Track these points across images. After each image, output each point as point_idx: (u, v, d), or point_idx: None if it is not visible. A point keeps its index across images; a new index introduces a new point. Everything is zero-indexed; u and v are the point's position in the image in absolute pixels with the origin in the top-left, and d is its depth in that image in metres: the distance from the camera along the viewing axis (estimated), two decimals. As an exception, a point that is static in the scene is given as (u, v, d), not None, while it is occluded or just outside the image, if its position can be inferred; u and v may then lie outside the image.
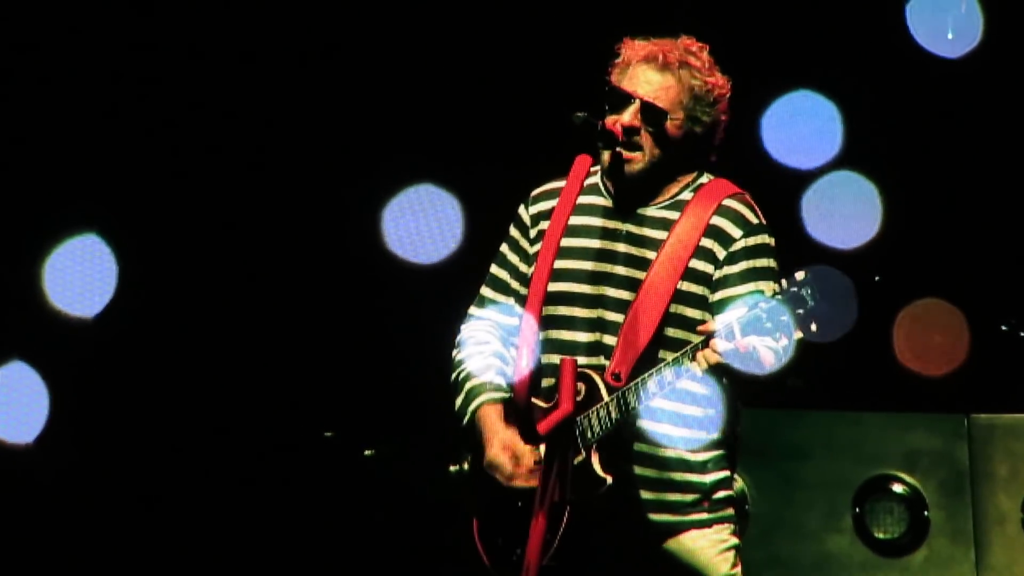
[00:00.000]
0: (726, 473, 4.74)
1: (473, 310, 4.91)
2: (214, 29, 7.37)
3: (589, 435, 4.57)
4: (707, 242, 4.65)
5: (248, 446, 7.48)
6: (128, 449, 7.38)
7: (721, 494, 4.72)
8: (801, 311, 4.30)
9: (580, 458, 4.56)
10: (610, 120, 4.65)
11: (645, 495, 4.65)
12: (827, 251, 7.12)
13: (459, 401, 4.80)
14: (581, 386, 4.59)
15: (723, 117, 4.72)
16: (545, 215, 4.81)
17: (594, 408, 4.57)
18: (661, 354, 4.59)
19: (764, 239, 4.67)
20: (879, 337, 7.44)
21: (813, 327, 4.31)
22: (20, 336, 7.14)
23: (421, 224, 7.35)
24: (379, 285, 7.48)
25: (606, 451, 4.57)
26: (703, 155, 4.75)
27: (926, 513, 7.06)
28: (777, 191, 4.84)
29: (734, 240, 4.65)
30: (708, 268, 4.63)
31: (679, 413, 4.65)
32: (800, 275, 4.33)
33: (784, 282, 4.34)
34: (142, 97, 7.34)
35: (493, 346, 4.84)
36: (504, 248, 4.89)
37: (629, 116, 4.65)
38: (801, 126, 7.15)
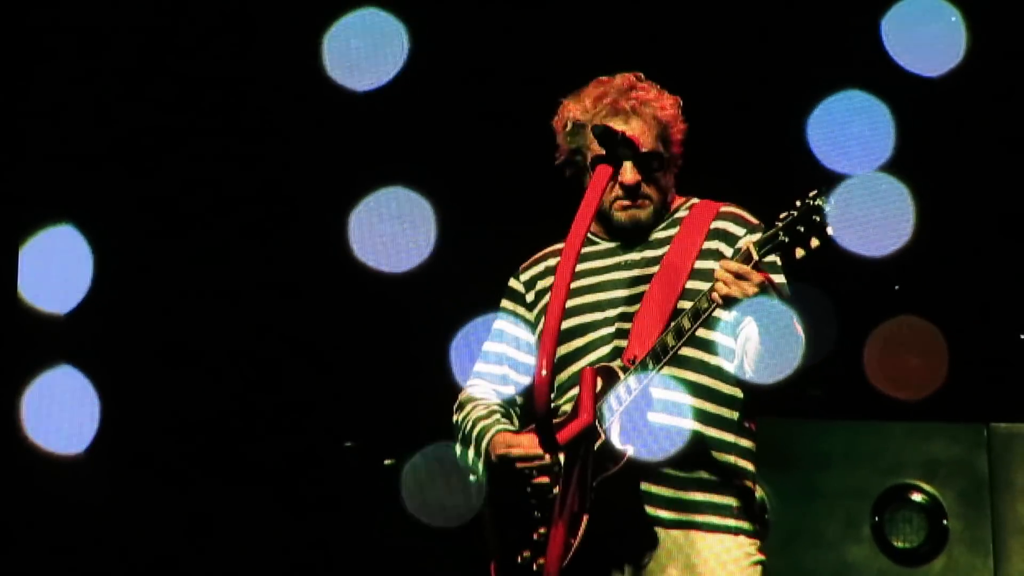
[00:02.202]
0: (750, 484, 4.75)
1: (469, 381, 4.98)
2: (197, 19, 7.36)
3: (608, 415, 4.57)
4: (712, 244, 4.72)
5: (269, 456, 7.50)
6: (135, 456, 7.38)
7: (749, 504, 4.72)
8: (817, 217, 4.29)
9: (600, 441, 4.56)
10: (628, 177, 4.74)
11: (669, 471, 4.64)
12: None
13: (471, 451, 4.84)
14: (600, 380, 4.60)
15: (683, 126, 4.82)
16: (541, 274, 4.93)
17: (613, 389, 4.59)
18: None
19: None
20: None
21: (829, 230, 4.29)
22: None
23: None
24: (400, 294, 7.49)
25: (625, 426, 4.57)
26: (677, 168, 4.86)
27: (945, 522, 7.05)
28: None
29: (738, 238, 4.70)
30: (715, 266, 4.66)
31: (700, 384, 4.66)
32: (813, 193, 4.34)
33: (798, 202, 4.34)
34: (122, 84, 7.30)
35: (494, 399, 4.90)
36: (498, 324, 4.96)
37: (631, 175, 4.74)
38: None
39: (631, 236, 4.83)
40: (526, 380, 4.88)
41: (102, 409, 7.15)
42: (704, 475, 4.66)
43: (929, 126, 7.22)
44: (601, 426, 4.55)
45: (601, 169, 4.46)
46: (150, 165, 7.35)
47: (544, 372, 4.39)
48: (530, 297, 4.93)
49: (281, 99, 7.43)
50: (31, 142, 7.09)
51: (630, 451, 4.54)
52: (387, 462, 7.39)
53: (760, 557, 4.70)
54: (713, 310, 4.45)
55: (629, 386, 4.55)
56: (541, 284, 4.91)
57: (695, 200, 4.87)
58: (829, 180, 4.35)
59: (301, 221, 7.53)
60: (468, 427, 4.87)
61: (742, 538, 4.68)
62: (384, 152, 7.42)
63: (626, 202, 4.78)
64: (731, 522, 4.67)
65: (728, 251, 4.67)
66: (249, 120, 7.46)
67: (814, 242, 4.30)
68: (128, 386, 7.32)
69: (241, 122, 7.45)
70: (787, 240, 4.32)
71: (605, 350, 4.71)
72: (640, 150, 4.67)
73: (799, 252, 4.32)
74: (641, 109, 4.76)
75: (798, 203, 4.34)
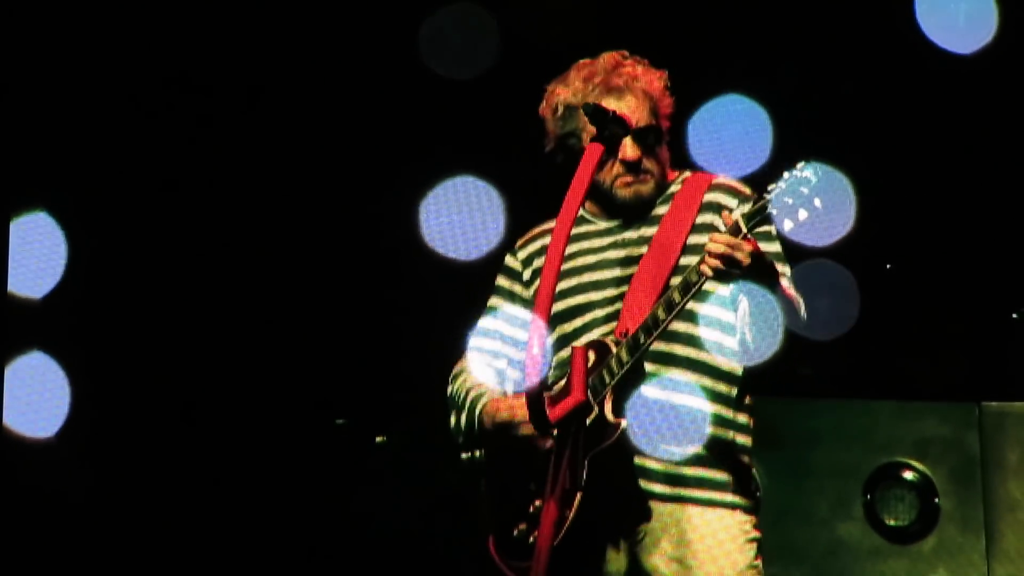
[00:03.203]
0: (746, 459, 4.74)
1: (464, 358, 4.98)
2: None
3: (600, 387, 4.58)
4: (704, 217, 4.72)
5: (259, 433, 7.49)
6: (127, 438, 7.37)
7: (745, 479, 4.72)
8: (805, 189, 4.28)
9: (593, 414, 4.56)
10: (629, 153, 4.74)
11: (663, 445, 4.64)
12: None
13: (463, 416, 4.85)
14: (591, 353, 4.60)
15: (671, 100, 4.86)
16: (537, 253, 4.92)
17: (605, 362, 4.59)
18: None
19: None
20: (889, 326, 7.44)
21: (817, 202, 4.27)
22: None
23: (457, 218, 7.32)
24: (391, 271, 7.48)
25: (617, 398, 4.57)
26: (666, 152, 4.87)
27: (937, 500, 7.06)
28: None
29: (732, 210, 4.68)
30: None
31: (693, 359, 4.66)
32: (801, 164, 4.33)
33: (786, 173, 4.34)
34: (110, 70, 7.29)
35: (487, 370, 4.90)
36: (493, 300, 4.96)
37: (631, 151, 4.73)
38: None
39: (633, 213, 4.81)
40: (520, 356, 4.88)
41: (89, 390, 7.15)
42: (699, 450, 4.66)
43: (919, 103, 7.22)
44: (594, 399, 4.55)
45: (592, 147, 4.46)
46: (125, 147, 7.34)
47: (536, 351, 4.39)
48: (527, 275, 4.93)
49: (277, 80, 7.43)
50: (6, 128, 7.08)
51: (623, 423, 4.54)
52: (378, 439, 7.40)
53: (756, 534, 4.69)
54: (703, 283, 4.43)
55: (621, 359, 4.55)
56: (538, 262, 4.90)
57: (687, 174, 4.87)
58: (817, 153, 4.35)
59: (289, 197, 7.52)
60: (462, 396, 4.88)
61: (738, 514, 4.67)
62: (390, 139, 7.42)
63: (628, 178, 4.77)
64: (727, 497, 4.67)
65: (722, 224, 4.66)
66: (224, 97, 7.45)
67: (802, 214, 4.29)
68: (115, 363, 7.32)
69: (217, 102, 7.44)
70: (775, 212, 4.31)
71: (603, 329, 4.72)
72: (636, 125, 4.68)
73: (788, 224, 4.31)
74: (633, 84, 4.76)
75: (785, 174, 4.33)
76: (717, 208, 4.72)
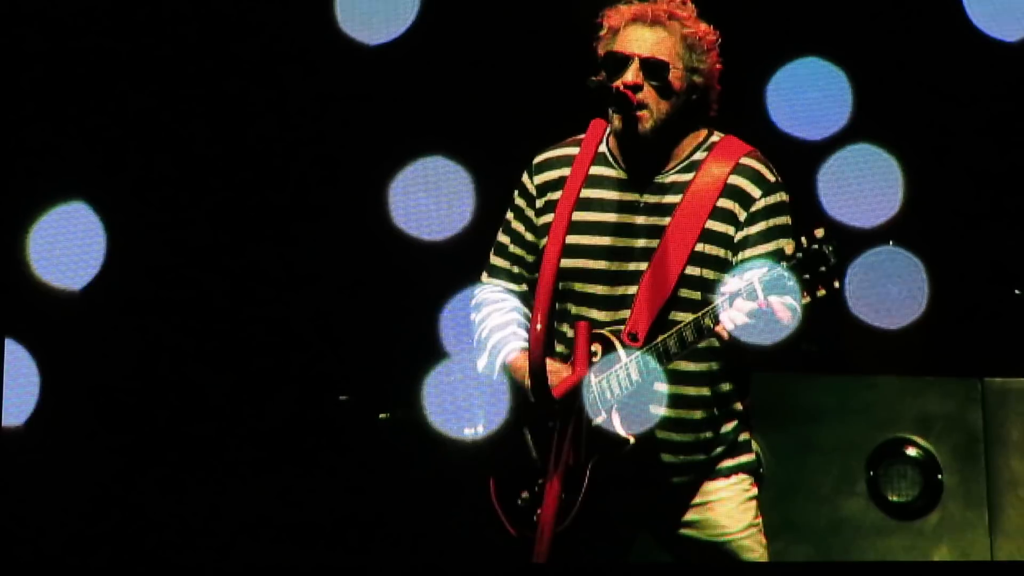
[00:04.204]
0: (742, 424, 4.75)
1: (483, 277, 4.93)
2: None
3: (608, 395, 4.58)
4: (726, 202, 4.65)
5: (262, 410, 7.49)
6: (134, 417, 7.38)
7: (740, 441, 4.74)
8: (823, 268, 4.30)
9: (600, 419, 4.57)
10: (615, 84, 4.66)
11: (667, 457, 4.66)
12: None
13: (485, 358, 4.82)
14: (597, 347, 4.59)
15: (717, 66, 4.74)
16: (552, 185, 4.80)
17: (613, 370, 4.58)
18: (677, 315, 4.59)
19: (782, 196, 4.68)
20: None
21: (835, 284, 4.30)
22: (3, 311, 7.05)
23: (431, 199, 7.31)
24: (394, 248, 7.47)
25: (627, 412, 4.58)
26: (706, 107, 4.75)
27: (940, 477, 7.06)
28: (785, 159, 4.82)
29: (754, 200, 4.64)
30: (728, 229, 4.63)
31: (696, 372, 4.66)
32: (820, 232, 4.32)
33: (804, 239, 4.33)
34: (134, 64, 7.31)
35: (511, 302, 4.86)
36: (509, 216, 4.90)
37: (632, 75, 4.65)
38: (809, 94, 7.08)
39: (642, 162, 4.74)
40: (533, 275, 4.81)
41: (91, 373, 7.18)
42: (705, 435, 4.68)
43: (923, 84, 7.21)
44: (601, 407, 4.56)
45: (595, 123, 4.44)
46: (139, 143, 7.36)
47: (539, 326, 4.39)
48: (539, 203, 4.82)
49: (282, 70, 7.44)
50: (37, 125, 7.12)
51: (632, 440, 4.56)
52: (382, 416, 7.39)
53: (754, 491, 4.77)
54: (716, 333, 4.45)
55: (630, 374, 4.56)
56: (551, 195, 4.79)
57: (715, 138, 4.76)
58: (831, 224, 4.33)
59: (293, 181, 7.51)
60: (485, 334, 4.84)
61: (740, 475, 4.75)
62: (392, 125, 7.41)
63: (622, 114, 4.66)
64: (727, 463, 4.74)
65: (742, 214, 4.62)
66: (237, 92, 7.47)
67: (820, 292, 4.30)
68: (120, 342, 7.33)
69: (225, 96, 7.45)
70: (792, 284, 4.31)
71: (603, 315, 4.67)
72: (651, 55, 4.64)
73: (805, 298, 4.32)
74: (669, 22, 4.67)
75: (804, 241, 4.33)
76: (740, 196, 4.65)
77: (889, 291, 4.73)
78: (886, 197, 7.10)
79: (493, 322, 4.83)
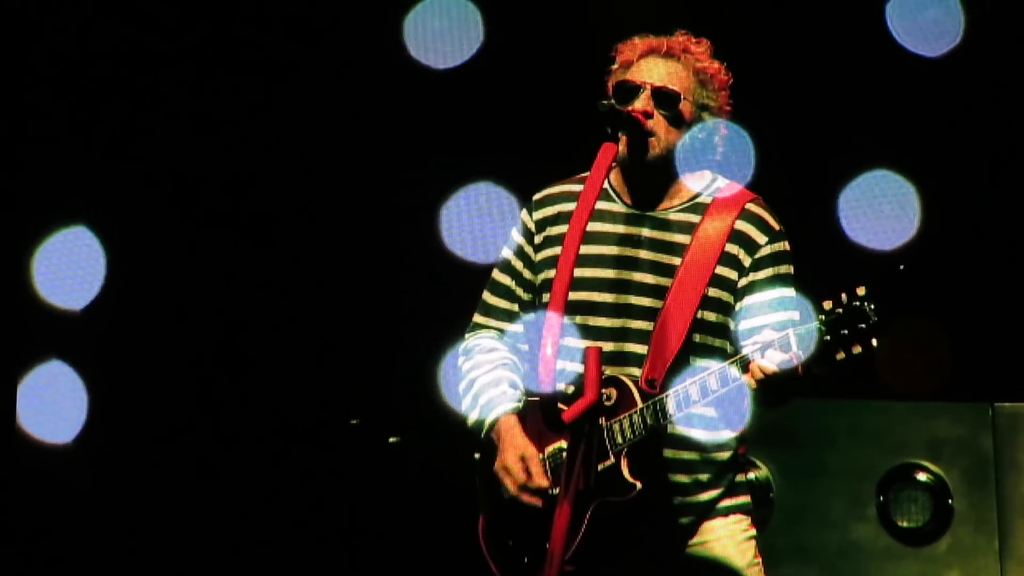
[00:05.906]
0: (739, 466, 4.77)
1: (477, 317, 4.95)
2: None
3: (620, 439, 4.57)
4: (732, 248, 4.67)
5: (274, 433, 7.50)
6: (146, 438, 7.39)
7: (738, 482, 4.75)
8: (863, 325, 4.29)
9: (609, 463, 4.57)
10: (639, 105, 4.69)
11: (676, 499, 4.67)
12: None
13: (474, 415, 4.83)
14: (612, 391, 4.60)
15: (727, 107, 4.76)
16: (552, 220, 4.83)
17: (626, 414, 4.58)
18: (690, 360, 4.61)
19: (785, 245, 4.72)
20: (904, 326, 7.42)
21: (873, 343, 4.29)
22: (7, 329, 7.08)
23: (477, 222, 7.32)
24: (405, 272, 7.48)
25: (636, 457, 4.58)
26: (712, 149, 4.77)
27: (950, 502, 7.06)
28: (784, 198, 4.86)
29: (759, 246, 4.67)
30: (732, 274, 4.66)
31: (707, 416, 4.67)
32: (862, 290, 4.31)
33: (844, 296, 4.32)
34: (135, 84, 7.32)
35: (501, 353, 4.87)
36: (507, 254, 4.92)
37: (642, 103, 4.68)
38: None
39: (645, 196, 4.77)
40: (529, 316, 4.84)
41: (104, 391, 7.19)
42: (703, 476, 4.70)
43: (929, 109, 7.22)
44: (610, 450, 4.57)
45: (606, 147, 4.46)
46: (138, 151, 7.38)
47: (550, 351, 4.39)
48: (538, 239, 4.85)
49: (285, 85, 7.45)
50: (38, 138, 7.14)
51: (639, 486, 4.56)
52: (392, 440, 7.40)
53: (753, 532, 4.78)
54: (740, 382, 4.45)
55: (646, 421, 4.56)
56: (551, 230, 4.83)
57: (720, 182, 4.80)
58: (871, 274, 4.32)
59: (301, 201, 7.53)
60: (476, 388, 4.85)
61: (737, 515, 4.76)
62: (407, 144, 7.43)
63: (630, 138, 4.68)
64: (725, 503, 4.75)
65: (747, 260, 4.65)
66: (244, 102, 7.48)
67: (856, 349, 4.28)
68: (131, 365, 7.34)
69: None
70: (828, 339, 4.30)
71: (607, 346, 4.66)
72: (664, 84, 4.67)
73: (840, 355, 4.31)
74: (681, 54, 4.72)
75: (844, 297, 4.32)
76: (745, 242, 4.67)
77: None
78: (903, 221, 7.11)
79: (484, 377, 4.85)
